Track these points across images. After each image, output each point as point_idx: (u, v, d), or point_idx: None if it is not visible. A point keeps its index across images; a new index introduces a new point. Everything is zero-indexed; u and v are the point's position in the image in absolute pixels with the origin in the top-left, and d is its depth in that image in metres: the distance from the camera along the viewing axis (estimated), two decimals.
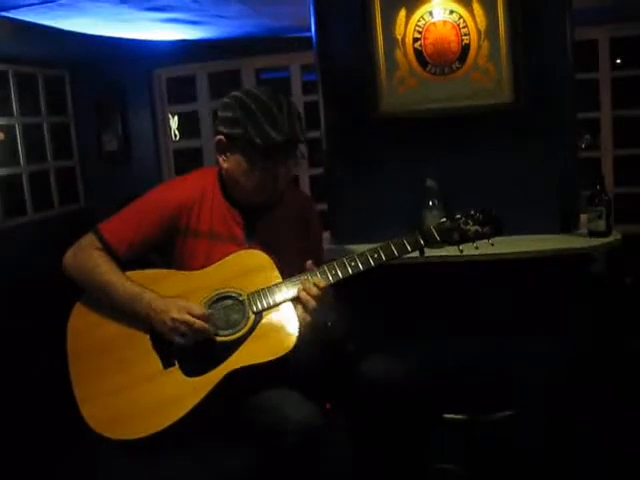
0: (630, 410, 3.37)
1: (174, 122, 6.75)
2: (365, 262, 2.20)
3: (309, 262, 2.22)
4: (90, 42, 5.38)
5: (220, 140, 2.24)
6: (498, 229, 2.28)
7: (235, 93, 2.24)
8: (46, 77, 6.29)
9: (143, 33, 5.51)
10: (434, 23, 3.39)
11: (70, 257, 2.29)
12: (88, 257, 2.25)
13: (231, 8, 4.71)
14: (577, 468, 2.95)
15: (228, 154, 2.25)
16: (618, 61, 5.72)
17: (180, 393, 2.10)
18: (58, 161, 6.45)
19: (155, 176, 6.32)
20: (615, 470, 2.92)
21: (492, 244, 2.28)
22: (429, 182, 3.42)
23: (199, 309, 2.14)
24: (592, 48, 5.53)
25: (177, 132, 6.78)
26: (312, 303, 2.14)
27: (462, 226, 2.27)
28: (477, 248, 2.28)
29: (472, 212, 2.29)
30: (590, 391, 3.45)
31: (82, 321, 2.26)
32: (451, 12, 3.37)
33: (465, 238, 2.27)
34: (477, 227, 2.26)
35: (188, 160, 6.57)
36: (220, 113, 2.25)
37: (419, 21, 3.40)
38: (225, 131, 2.22)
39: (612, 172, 5.68)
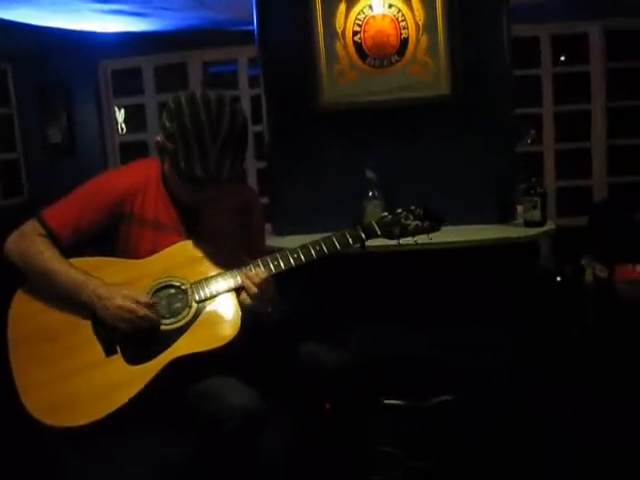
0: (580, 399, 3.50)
1: (120, 115, 6.66)
2: (307, 254, 2.24)
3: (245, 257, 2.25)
4: (34, 33, 5.32)
5: (157, 143, 2.21)
6: (438, 225, 2.34)
7: (181, 99, 2.13)
8: None
9: (88, 24, 5.46)
10: (374, 16, 3.44)
11: (12, 243, 2.26)
12: (31, 243, 2.22)
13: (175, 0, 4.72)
14: (538, 458, 3.06)
15: (163, 158, 2.23)
16: (562, 58, 5.83)
17: (122, 381, 2.09)
18: (1, 153, 6.30)
19: (101, 169, 6.18)
20: (582, 460, 3.02)
21: (431, 238, 2.34)
22: (369, 173, 3.46)
23: (144, 297, 2.15)
24: (536, 45, 5.62)
25: (123, 125, 6.71)
26: (253, 289, 2.17)
27: (403, 221, 2.31)
28: (416, 243, 2.35)
29: (413, 207, 2.34)
30: (548, 381, 3.58)
31: (23, 308, 2.24)
32: (390, 6, 3.42)
33: (405, 233, 2.32)
34: (417, 222, 2.31)
35: (134, 153, 6.46)
36: (164, 114, 2.16)
37: (359, 14, 3.45)
38: (162, 138, 2.16)
39: (554, 166, 5.80)
